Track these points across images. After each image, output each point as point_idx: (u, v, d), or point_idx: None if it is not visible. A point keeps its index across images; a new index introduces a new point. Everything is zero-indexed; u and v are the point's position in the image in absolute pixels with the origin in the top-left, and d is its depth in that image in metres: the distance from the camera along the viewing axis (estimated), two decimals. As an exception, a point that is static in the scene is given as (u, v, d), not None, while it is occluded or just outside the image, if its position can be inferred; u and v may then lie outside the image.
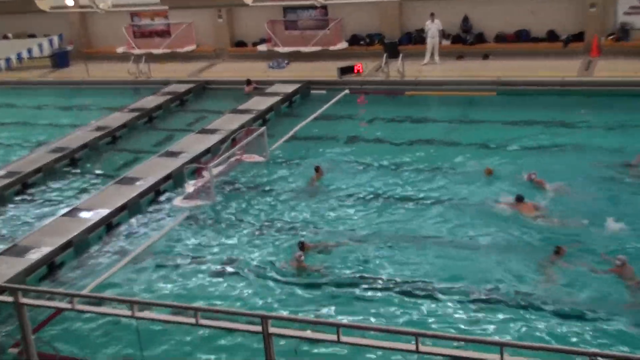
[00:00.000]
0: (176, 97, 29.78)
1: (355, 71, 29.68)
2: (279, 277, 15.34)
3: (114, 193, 19.80)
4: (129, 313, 10.08)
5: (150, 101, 29.12)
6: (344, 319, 13.36)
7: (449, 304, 13.91)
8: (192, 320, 9.85)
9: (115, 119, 26.95)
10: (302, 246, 15.96)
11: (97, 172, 22.88)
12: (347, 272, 15.28)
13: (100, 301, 12.59)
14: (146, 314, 10.66)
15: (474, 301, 13.90)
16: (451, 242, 16.23)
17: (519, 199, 17.18)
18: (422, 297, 14.18)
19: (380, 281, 14.84)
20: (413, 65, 29.71)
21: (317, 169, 20.21)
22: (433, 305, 13.89)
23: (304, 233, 17.09)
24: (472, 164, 20.30)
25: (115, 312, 10.95)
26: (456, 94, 27.30)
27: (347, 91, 28.87)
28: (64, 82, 34.39)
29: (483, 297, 13.96)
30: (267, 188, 20.21)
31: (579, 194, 17.80)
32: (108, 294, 14.80)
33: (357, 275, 15.14)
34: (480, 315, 13.50)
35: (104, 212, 18.61)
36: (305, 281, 15.09)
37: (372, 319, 13.50)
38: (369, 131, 24.70)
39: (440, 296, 14.14)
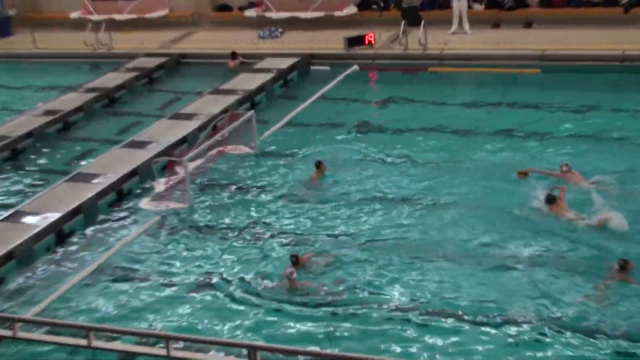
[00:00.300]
0: (144, 74, 29.88)
1: (366, 42, 29.75)
2: (267, 298, 15.38)
3: (65, 193, 19.84)
4: (84, 342, 10.16)
5: (111, 79, 29.20)
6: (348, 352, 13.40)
7: (478, 334, 13.92)
8: (163, 352, 9.95)
9: (68, 101, 27.02)
10: (295, 260, 16.04)
11: (45, 167, 22.95)
12: (351, 292, 15.32)
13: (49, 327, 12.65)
14: (106, 343, 10.74)
15: (508, 329, 13.92)
16: (476, 254, 16.28)
17: (550, 200, 17.37)
18: (444, 325, 14.20)
19: (391, 304, 14.89)
20: (437, 35, 29.78)
21: (318, 165, 20.30)
22: (457, 337, 13.88)
23: (299, 246, 17.13)
24: (506, 158, 20.36)
25: (66, 342, 11.04)
26: (490, 71, 27.35)
27: (355, 67, 28.95)
28: (4, 54, 34.46)
29: (520, 325, 13.97)
30: (256, 187, 20.26)
31: (630, 192, 17.95)
32: (58, 318, 14.80)
33: (364, 295, 15.20)
34: (517, 349, 13.55)
35: (53, 216, 18.64)
36: (298, 301, 15.16)
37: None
38: (382, 117, 24.75)
39: (464, 324, 14.14)
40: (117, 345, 10.93)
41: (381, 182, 19.87)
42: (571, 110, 23.57)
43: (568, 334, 13.65)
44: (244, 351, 12.07)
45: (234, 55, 30.23)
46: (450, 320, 14.30)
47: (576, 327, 13.77)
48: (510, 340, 13.71)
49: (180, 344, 12.47)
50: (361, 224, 18.00)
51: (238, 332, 14.36)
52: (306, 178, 20.37)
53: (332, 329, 14.31)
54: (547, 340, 13.55)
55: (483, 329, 14.02)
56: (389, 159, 21.20)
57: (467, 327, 14.11)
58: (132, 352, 10.80)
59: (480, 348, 13.59)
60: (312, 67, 29.61)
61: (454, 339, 13.90)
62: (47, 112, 26.08)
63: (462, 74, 27.84)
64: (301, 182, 20.25)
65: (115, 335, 12.63)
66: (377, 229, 17.66)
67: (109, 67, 31.00)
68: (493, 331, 13.93)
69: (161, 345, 11.79)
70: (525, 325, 13.92)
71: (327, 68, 29.26)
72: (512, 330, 13.90)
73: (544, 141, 21.39)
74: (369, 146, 22.11)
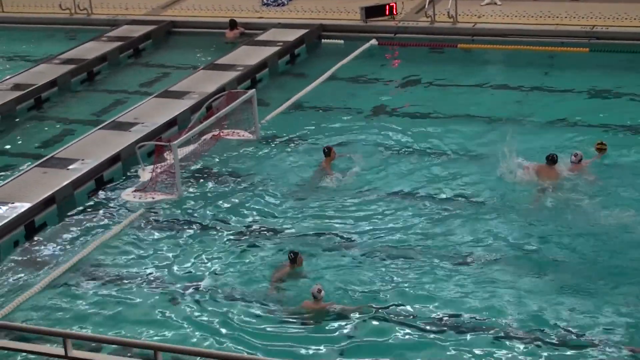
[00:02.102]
0: (128, 45, 29.98)
1: (387, 13, 29.85)
2: (264, 304, 15.63)
3: (37, 180, 20.03)
4: (60, 351, 10.33)
5: (90, 49, 29.29)
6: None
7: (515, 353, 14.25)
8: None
9: (40, 75, 27.13)
10: (294, 258, 16.34)
11: (13, 150, 23.16)
12: (364, 299, 15.59)
13: (19, 334, 12.78)
14: (86, 353, 10.92)
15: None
16: (508, 263, 16.52)
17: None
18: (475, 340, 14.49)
19: (407, 314, 15.13)
20: (469, 5, 29.95)
21: (327, 151, 20.43)
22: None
23: (301, 247, 17.28)
24: (544, 149, 20.49)
25: (40, 350, 11.19)
26: (530, 49, 27.49)
27: (374, 41, 29.06)
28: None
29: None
30: (255, 177, 20.46)
31: None
32: (30, 323, 15.04)
33: (375, 305, 15.43)
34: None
35: (22, 207, 18.84)
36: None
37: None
38: (403, 100, 24.91)
39: (506, 341, 14.40)
40: (97, 355, 11.13)
41: (401, 174, 20.09)
42: (623, 96, 23.74)
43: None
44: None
45: (232, 25, 30.35)
46: (480, 334, 14.60)
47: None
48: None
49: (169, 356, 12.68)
50: (375, 222, 18.21)
51: (234, 341, 14.63)
52: (314, 167, 20.55)
53: (338, 339, 14.59)
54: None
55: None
56: (409, 149, 21.39)
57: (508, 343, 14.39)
58: (113, 363, 11.00)
59: None
60: (323, 41, 29.73)
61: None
62: (16, 87, 26.21)
63: (497, 52, 27.93)
64: (307, 172, 20.45)
65: (94, 343, 12.83)
66: (394, 230, 17.87)
67: (87, 35, 31.04)
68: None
69: (148, 356, 11.93)
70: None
71: (341, 42, 29.37)
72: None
73: (591, 132, 21.55)
74: (387, 133, 22.28)
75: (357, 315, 15.07)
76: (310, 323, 15.06)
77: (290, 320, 15.17)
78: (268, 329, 14.97)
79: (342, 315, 15.10)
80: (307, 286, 15.73)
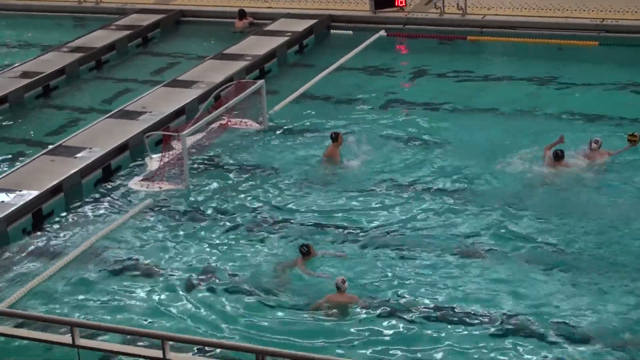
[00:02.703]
0: (136, 34, 30.00)
1: (397, 4, 29.84)
2: (274, 295, 15.65)
3: (44, 168, 20.06)
4: (68, 339, 10.36)
5: (99, 38, 29.29)
6: None
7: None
8: (158, 353, 10.15)
9: (48, 63, 27.14)
10: (306, 250, 16.36)
11: (22, 137, 23.19)
12: (376, 292, 15.62)
13: (26, 321, 12.81)
14: (92, 342, 10.95)
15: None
16: (522, 257, 16.52)
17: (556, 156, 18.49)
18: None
19: (414, 308, 15.16)
20: (479, -3, 29.96)
21: (335, 137, 20.46)
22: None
23: (312, 235, 17.37)
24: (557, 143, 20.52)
25: (48, 338, 11.24)
26: (540, 42, 27.46)
27: (383, 32, 29.03)
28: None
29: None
30: (263, 168, 20.49)
31: None
32: (37, 311, 15.05)
33: (386, 298, 15.47)
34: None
35: (30, 194, 18.88)
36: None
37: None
38: (411, 92, 24.91)
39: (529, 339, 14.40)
40: (105, 344, 11.14)
41: (411, 166, 20.10)
42: (632, 91, 23.70)
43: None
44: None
45: (242, 15, 30.35)
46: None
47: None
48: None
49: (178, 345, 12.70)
50: (383, 214, 18.24)
51: (241, 333, 14.65)
52: (319, 157, 20.63)
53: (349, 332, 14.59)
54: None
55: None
56: (418, 141, 21.38)
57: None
58: (122, 352, 10.98)
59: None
60: (332, 31, 29.73)
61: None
62: (24, 75, 26.20)
63: (507, 45, 27.88)
64: (314, 162, 20.49)
65: (102, 332, 12.87)
66: (403, 221, 17.90)
67: (96, 23, 31.06)
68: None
69: (155, 345, 11.95)
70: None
71: (350, 33, 29.37)
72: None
73: (603, 126, 21.54)
74: (396, 125, 22.27)
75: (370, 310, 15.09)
76: (334, 315, 15.02)
77: (308, 314, 15.13)
78: (282, 320, 14.98)
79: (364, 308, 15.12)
80: (317, 280, 15.81)
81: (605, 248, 16.55)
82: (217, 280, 16.24)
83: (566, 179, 18.89)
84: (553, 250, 16.57)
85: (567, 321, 14.52)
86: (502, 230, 17.29)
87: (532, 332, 14.32)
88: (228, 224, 18.24)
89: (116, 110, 23.25)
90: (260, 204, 18.89)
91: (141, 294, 15.99)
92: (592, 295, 15.11)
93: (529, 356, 13.82)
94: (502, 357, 13.85)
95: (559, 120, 22.07)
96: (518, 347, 14.00)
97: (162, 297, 15.84)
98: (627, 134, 20.23)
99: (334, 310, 15.07)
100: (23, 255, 17.48)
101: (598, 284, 15.42)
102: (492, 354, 13.91)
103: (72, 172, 19.82)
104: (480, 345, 14.10)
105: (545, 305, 14.96)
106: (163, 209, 18.91)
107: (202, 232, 17.93)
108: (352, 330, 14.63)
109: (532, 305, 14.96)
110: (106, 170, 20.54)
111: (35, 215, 18.71)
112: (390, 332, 14.59)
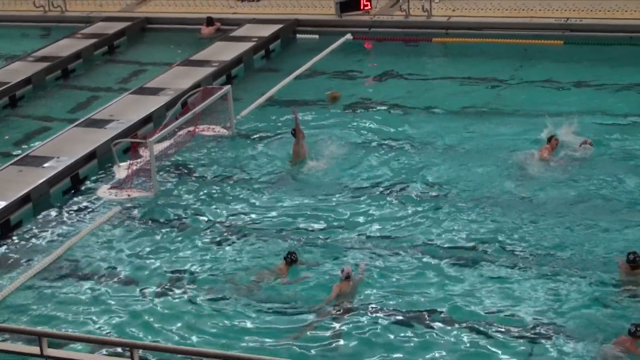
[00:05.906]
0: (103, 42, 29.87)
1: (362, 7, 29.87)
2: (251, 301, 15.60)
3: (12, 179, 19.95)
4: (36, 350, 10.30)
5: (65, 47, 29.18)
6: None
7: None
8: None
9: (14, 73, 27.00)
10: (291, 259, 16.28)
11: (-11, 148, 23.08)
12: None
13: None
14: (61, 352, 10.89)
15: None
16: (486, 257, 16.56)
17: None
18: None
19: (386, 309, 15.18)
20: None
21: (293, 133, 20.60)
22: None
23: (280, 241, 17.36)
24: (522, 141, 20.60)
25: (16, 349, 11.16)
26: (505, 43, 27.55)
27: (348, 36, 29.06)
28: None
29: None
30: (231, 173, 20.47)
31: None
32: (5, 322, 14.91)
33: (363, 302, 15.45)
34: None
35: (-3, 205, 18.84)
36: (286, 303, 15.45)
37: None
38: (378, 94, 24.93)
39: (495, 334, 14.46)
40: (73, 354, 11.08)
41: (377, 167, 20.15)
42: (598, 89, 23.85)
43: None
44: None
45: (209, 22, 30.28)
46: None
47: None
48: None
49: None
50: (353, 215, 18.28)
51: (215, 339, 14.57)
52: (287, 159, 20.69)
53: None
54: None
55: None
56: (385, 142, 21.45)
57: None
58: (89, 362, 10.95)
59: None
60: (298, 36, 29.74)
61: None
62: (-11, 85, 26.07)
63: (472, 46, 28.01)
64: (283, 166, 20.50)
65: (71, 342, 12.79)
66: (373, 221, 17.97)
67: (61, 32, 30.92)
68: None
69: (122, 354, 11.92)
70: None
71: (316, 37, 29.39)
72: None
73: (564, 124, 21.53)
74: (363, 127, 22.32)
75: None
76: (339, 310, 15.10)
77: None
78: (253, 325, 14.97)
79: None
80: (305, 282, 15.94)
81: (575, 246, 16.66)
82: (188, 287, 16.17)
83: (540, 177, 19.03)
84: (529, 249, 16.65)
85: (555, 321, 14.56)
86: (482, 230, 17.36)
87: (518, 332, 14.33)
88: (197, 228, 18.19)
89: (83, 118, 23.18)
90: (228, 208, 18.87)
91: (110, 302, 15.88)
92: (576, 294, 15.18)
93: (514, 356, 13.86)
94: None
95: (526, 118, 22.21)
96: (505, 347, 14.05)
97: (132, 304, 15.73)
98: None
99: (344, 303, 15.20)
100: (-10, 266, 17.36)
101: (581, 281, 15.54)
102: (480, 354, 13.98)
103: (40, 181, 19.74)
104: (468, 346, 14.14)
105: (529, 305, 14.98)
106: (132, 217, 18.84)
107: (172, 239, 17.86)
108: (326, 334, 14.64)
109: (514, 305, 14.97)
110: (74, 179, 20.47)
111: (4, 226, 18.59)
112: (365, 332, 14.61)
